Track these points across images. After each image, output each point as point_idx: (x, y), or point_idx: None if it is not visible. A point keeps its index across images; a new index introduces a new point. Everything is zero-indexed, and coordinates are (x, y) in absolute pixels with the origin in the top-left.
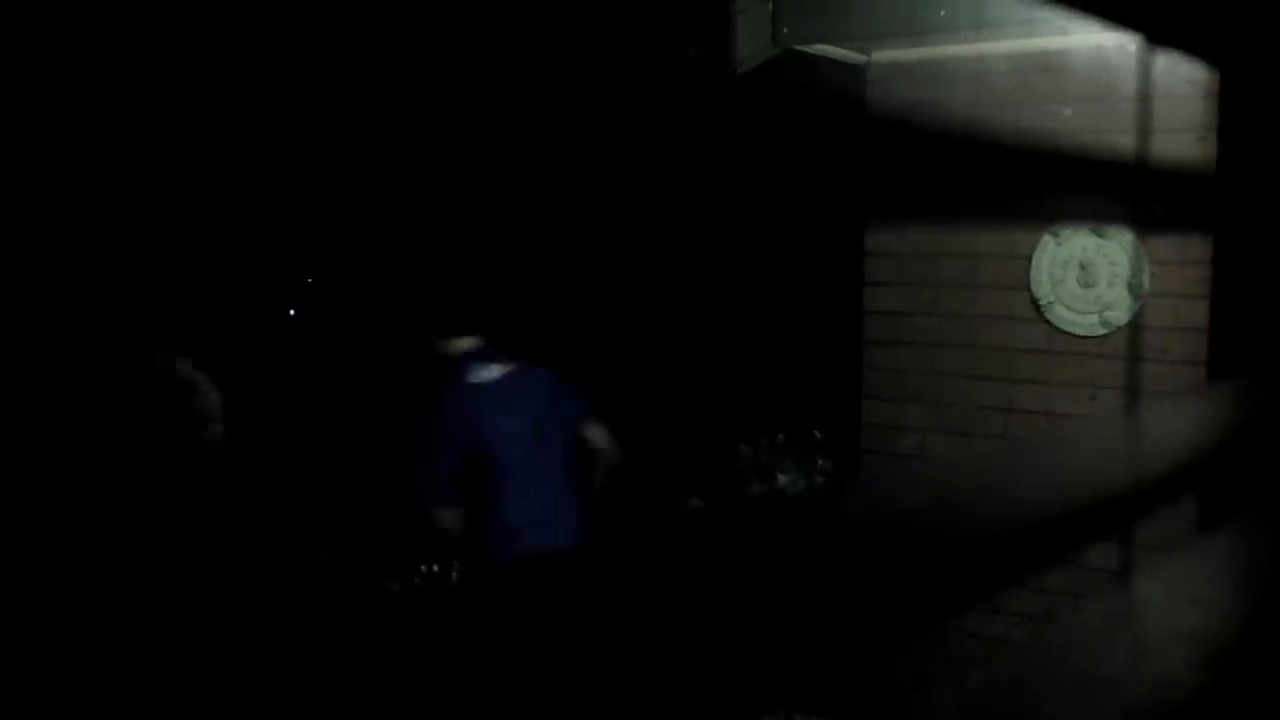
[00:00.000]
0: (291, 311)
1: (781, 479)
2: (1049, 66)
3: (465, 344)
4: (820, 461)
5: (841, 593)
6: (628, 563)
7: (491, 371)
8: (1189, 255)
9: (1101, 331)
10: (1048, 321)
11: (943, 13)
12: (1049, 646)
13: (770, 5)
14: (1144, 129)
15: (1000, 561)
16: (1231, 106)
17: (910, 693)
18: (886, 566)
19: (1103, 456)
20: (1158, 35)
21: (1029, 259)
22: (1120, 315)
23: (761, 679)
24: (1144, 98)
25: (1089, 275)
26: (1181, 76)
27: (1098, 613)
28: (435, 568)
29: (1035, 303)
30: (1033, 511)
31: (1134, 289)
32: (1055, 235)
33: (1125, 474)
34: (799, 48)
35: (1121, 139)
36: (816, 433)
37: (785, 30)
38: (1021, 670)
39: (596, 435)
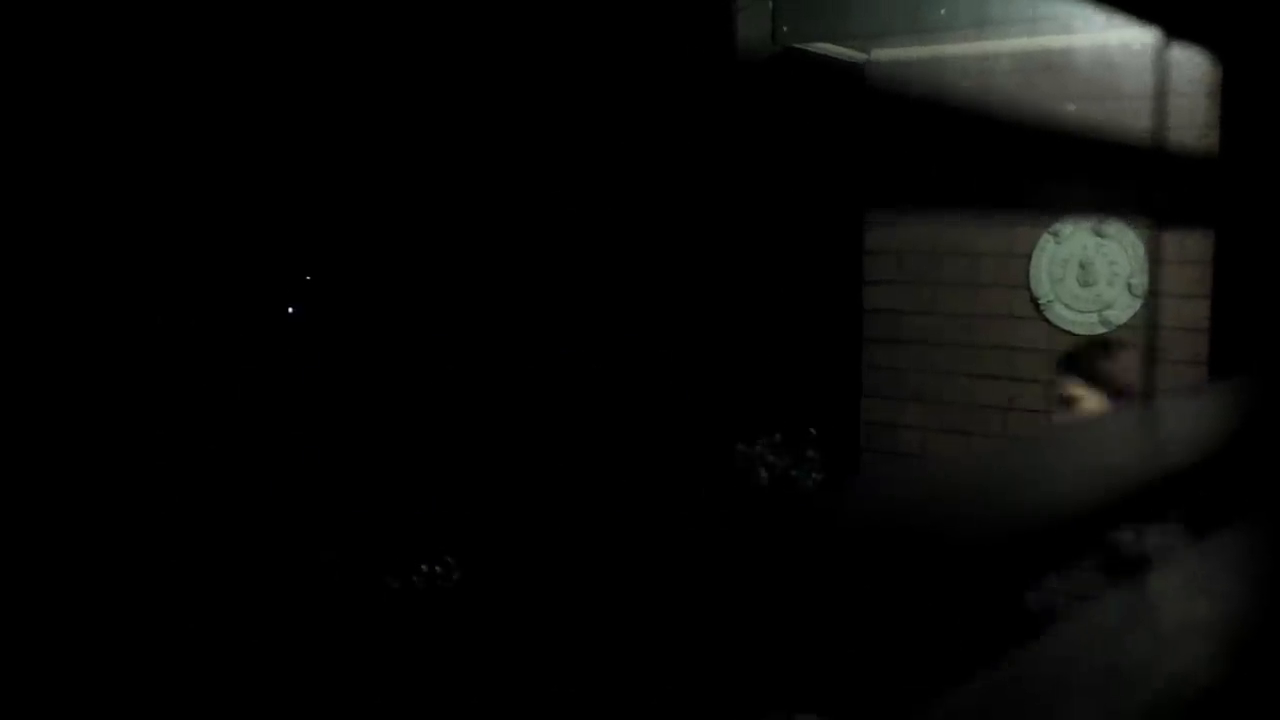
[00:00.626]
0: (290, 309)
1: (782, 476)
2: (1051, 65)
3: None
4: (818, 459)
5: (845, 593)
6: (630, 561)
7: None
8: (1189, 254)
9: (1101, 330)
10: (1047, 320)
11: (942, 11)
12: (1058, 644)
13: (770, 4)
14: (1145, 126)
15: (1008, 562)
16: (1234, 103)
17: (917, 691)
18: (891, 567)
19: (1112, 454)
20: (1174, 29)
21: (1028, 258)
22: (1119, 314)
23: (764, 678)
24: (1146, 95)
25: (1088, 274)
26: (1184, 74)
27: (1107, 609)
28: (435, 567)
29: (1035, 301)
30: (1041, 511)
31: (1133, 288)
32: (1055, 234)
33: (1135, 472)
34: (798, 46)
35: (1123, 137)
36: (812, 430)
37: (785, 29)
38: (1023, 671)
39: None
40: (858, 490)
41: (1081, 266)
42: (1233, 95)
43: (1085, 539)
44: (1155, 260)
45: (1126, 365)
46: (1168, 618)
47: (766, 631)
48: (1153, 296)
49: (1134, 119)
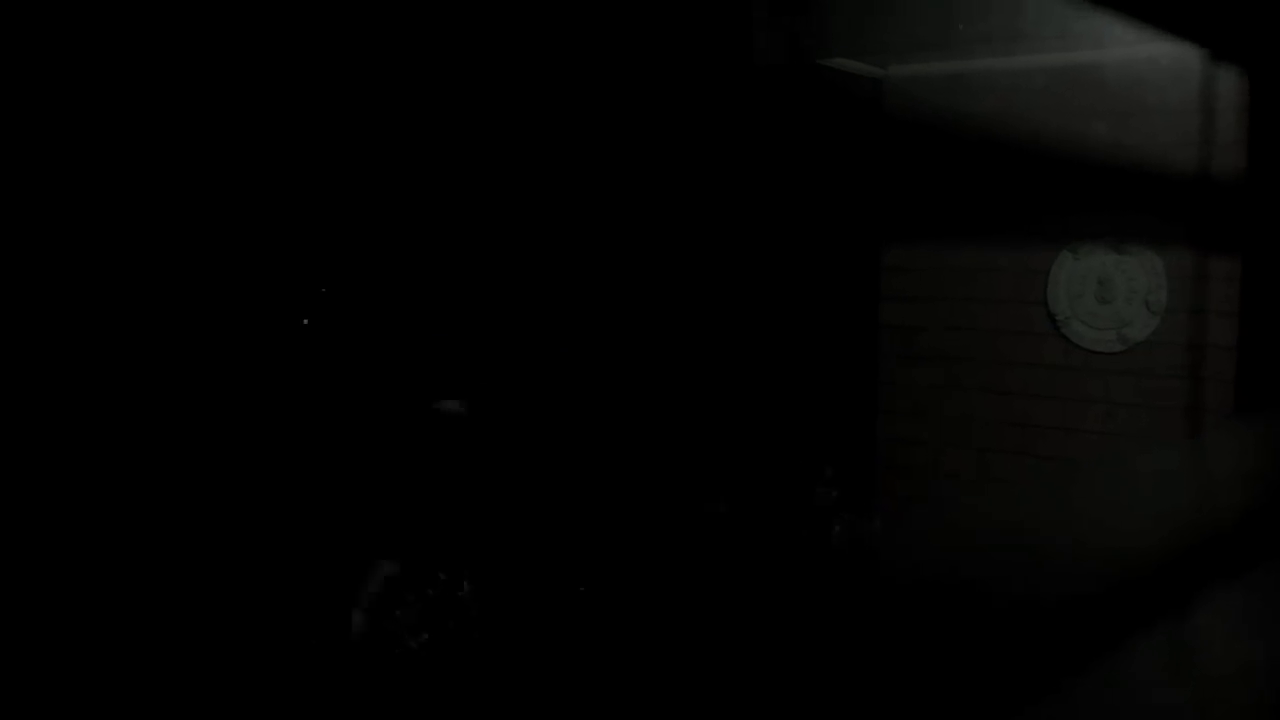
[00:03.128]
0: (305, 321)
1: (802, 495)
2: (1078, 80)
3: None
4: (838, 476)
5: (885, 642)
6: (647, 585)
7: None
8: (1215, 271)
9: (1119, 348)
10: (1065, 337)
11: (961, 27)
12: (1102, 688)
13: (789, 18)
14: (1174, 142)
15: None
16: (1263, 120)
17: None
18: (931, 619)
19: (1161, 490)
20: (1209, 49)
21: (1046, 274)
22: (1138, 332)
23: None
24: (1175, 111)
25: (1107, 291)
26: (1213, 91)
27: (1153, 652)
28: (447, 578)
29: (1052, 318)
30: (1100, 553)
31: (1152, 305)
32: (1074, 251)
33: (1185, 508)
34: (817, 61)
35: (1147, 153)
36: (831, 449)
37: (803, 44)
38: (1066, 716)
39: None
40: (903, 534)
41: (1100, 283)
42: (1263, 113)
43: (1141, 588)
44: (1180, 277)
45: None
46: (1216, 661)
47: (794, 674)
48: (1175, 314)
49: (1163, 135)
